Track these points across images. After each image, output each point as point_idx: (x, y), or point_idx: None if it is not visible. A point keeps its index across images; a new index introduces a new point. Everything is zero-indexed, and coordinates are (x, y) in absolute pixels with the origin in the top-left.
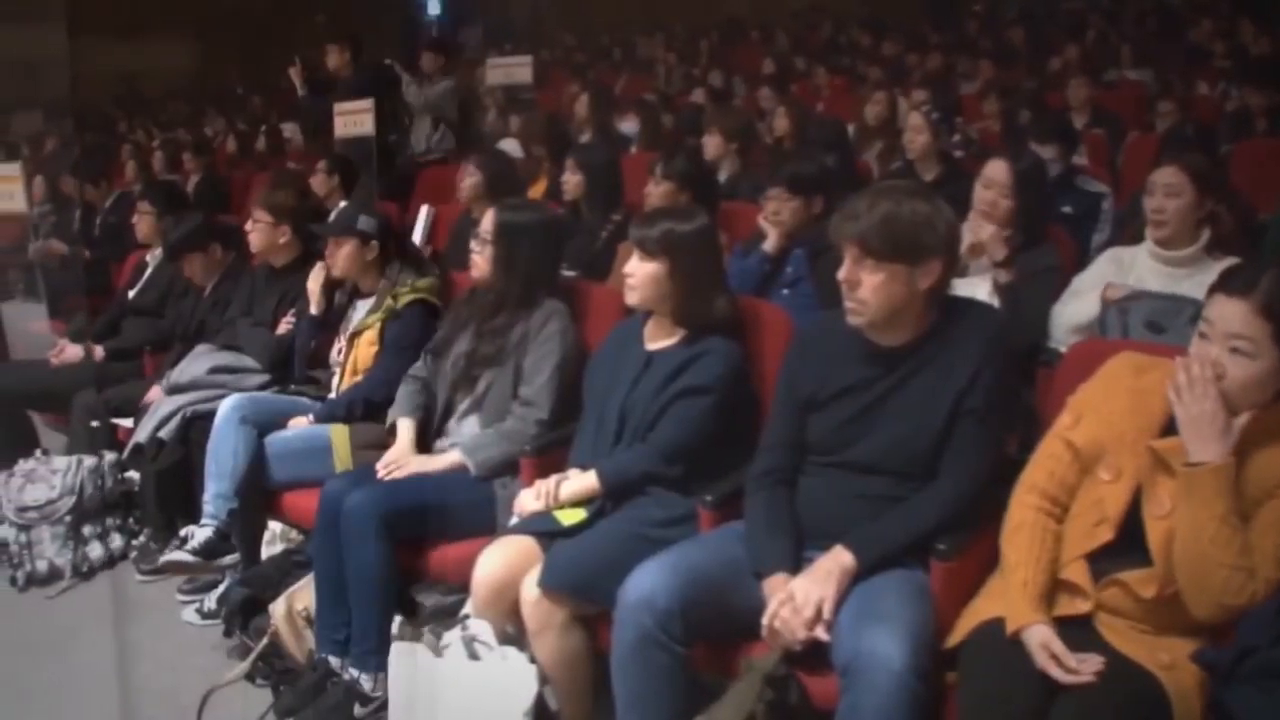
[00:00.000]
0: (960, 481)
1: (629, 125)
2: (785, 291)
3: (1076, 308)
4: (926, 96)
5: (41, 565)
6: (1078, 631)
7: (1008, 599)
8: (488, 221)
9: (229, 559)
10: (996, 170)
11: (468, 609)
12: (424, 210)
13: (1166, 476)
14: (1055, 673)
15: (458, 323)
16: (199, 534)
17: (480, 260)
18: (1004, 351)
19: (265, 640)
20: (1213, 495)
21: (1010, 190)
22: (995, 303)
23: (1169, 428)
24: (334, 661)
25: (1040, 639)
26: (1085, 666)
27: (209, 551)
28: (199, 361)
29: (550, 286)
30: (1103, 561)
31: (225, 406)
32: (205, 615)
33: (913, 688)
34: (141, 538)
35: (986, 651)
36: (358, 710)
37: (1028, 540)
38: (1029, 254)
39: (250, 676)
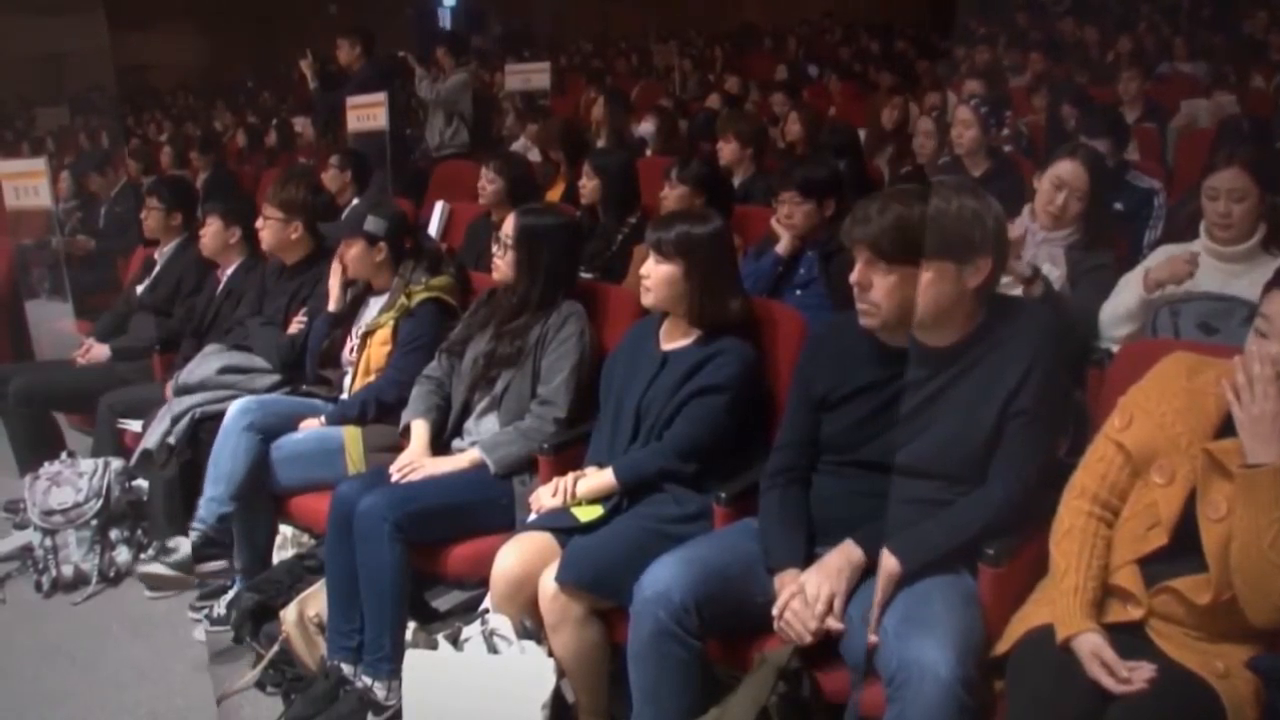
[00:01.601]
0: (1009, 485)
1: (646, 126)
2: (798, 292)
3: (1118, 301)
4: (979, 87)
5: (67, 570)
6: (1129, 638)
7: (1057, 606)
8: (509, 226)
9: (213, 566)
10: (1070, 172)
11: (487, 604)
12: (439, 206)
13: (1222, 479)
14: (1107, 682)
15: (475, 323)
16: (183, 547)
17: (501, 263)
18: (1053, 352)
19: (276, 647)
20: (1273, 498)
21: (1085, 194)
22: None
23: (1224, 429)
24: (346, 669)
25: (1091, 647)
26: (1137, 675)
27: (188, 564)
28: (208, 362)
29: (569, 288)
30: (1155, 566)
31: (233, 410)
32: (215, 621)
33: (960, 697)
34: (150, 550)
35: (1036, 660)
36: (371, 719)
37: (1078, 545)
38: (1081, 252)
39: (260, 684)
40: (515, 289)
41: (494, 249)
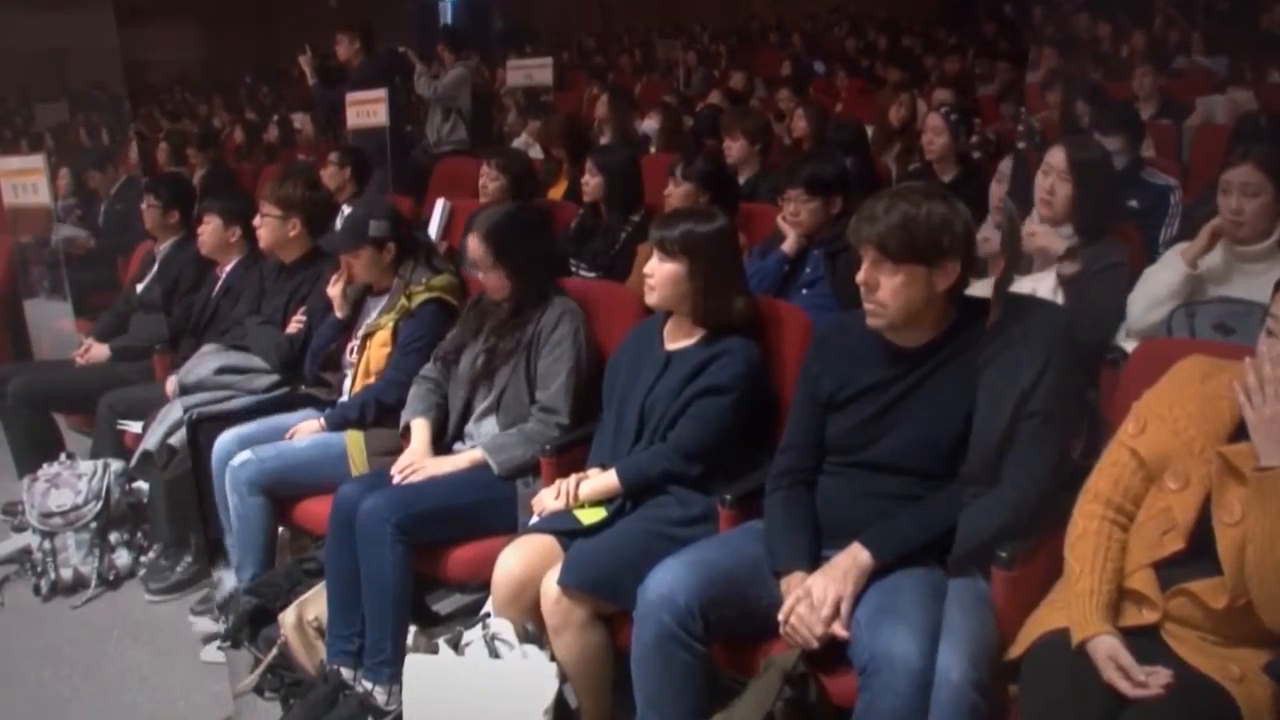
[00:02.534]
0: (1022, 487)
1: (649, 123)
2: (804, 291)
3: (1156, 282)
4: (997, 88)
5: (66, 573)
6: (1144, 643)
7: (1072, 609)
8: (475, 248)
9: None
10: (1054, 155)
11: (488, 607)
12: (439, 204)
13: (1236, 483)
14: (1122, 686)
15: (467, 331)
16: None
17: (492, 283)
18: (1068, 352)
19: (275, 651)
20: None
21: (1067, 174)
22: (1059, 298)
23: (1238, 432)
24: (346, 673)
25: (1107, 650)
26: (1154, 679)
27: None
28: (206, 362)
29: (556, 277)
30: (1170, 570)
31: (218, 450)
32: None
33: (973, 701)
34: (151, 554)
35: (1050, 663)
36: None
37: (1092, 549)
38: (1093, 250)
39: (259, 689)
40: (511, 297)
41: (476, 274)
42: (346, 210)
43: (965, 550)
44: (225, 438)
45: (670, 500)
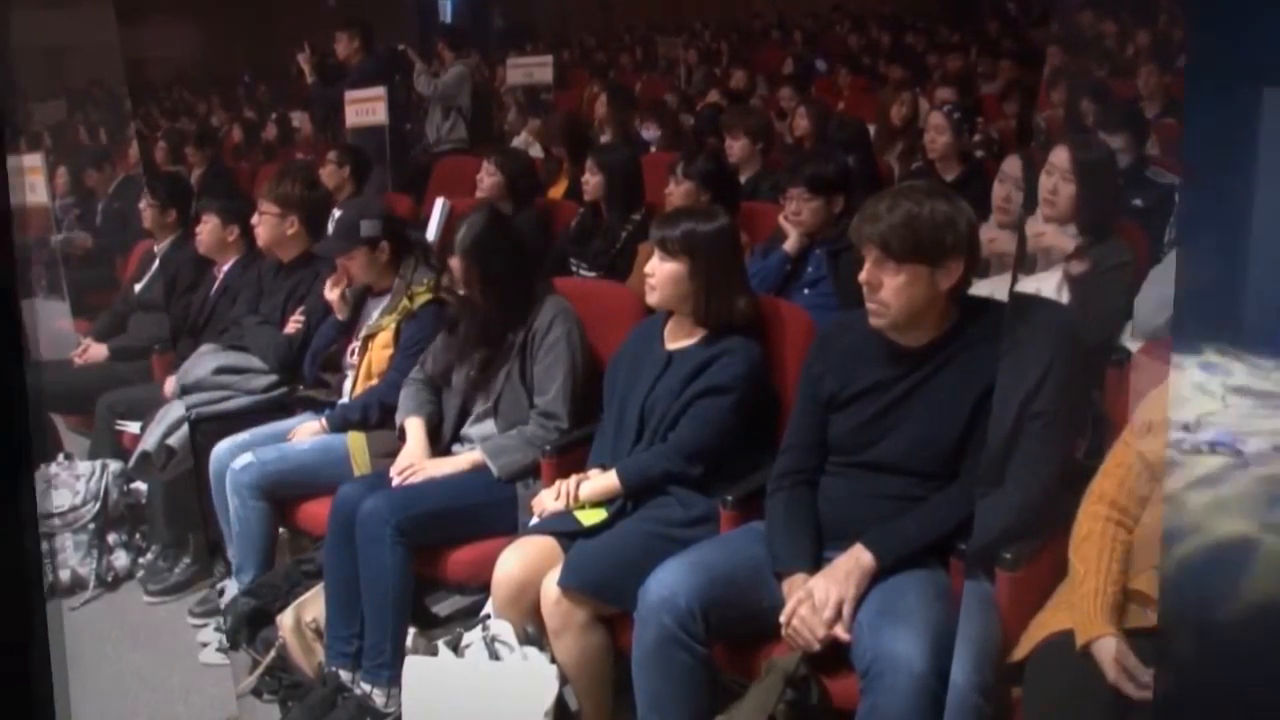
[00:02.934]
0: (1027, 488)
1: (650, 131)
2: (806, 291)
3: (1164, 284)
4: (1000, 86)
5: (64, 575)
6: (1149, 644)
7: (1077, 610)
8: (459, 270)
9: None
10: (1057, 155)
11: (488, 609)
12: (439, 203)
13: None
14: (1127, 688)
15: (454, 344)
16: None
17: (481, 298)
18: (1073, 352)
19: (273, 653)
20: None
21: (1071, 174)
22: (1064, 298)
23: None
24: (345, 675)
25: (1113, 651)
26: None
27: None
28: (204, 362)
29: (545, 275)
30: None
31: (214, 460)
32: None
33: (976, 704)
34: (149, 555)
35: (1055, 665)
36: None
37: (1097, 550)
38: (1099, 249)
39: (257, 691)
40: (500, 306)
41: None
42: (337, 213)
43: (973, 550)
44: (221, 448)
45: (671, 501)
